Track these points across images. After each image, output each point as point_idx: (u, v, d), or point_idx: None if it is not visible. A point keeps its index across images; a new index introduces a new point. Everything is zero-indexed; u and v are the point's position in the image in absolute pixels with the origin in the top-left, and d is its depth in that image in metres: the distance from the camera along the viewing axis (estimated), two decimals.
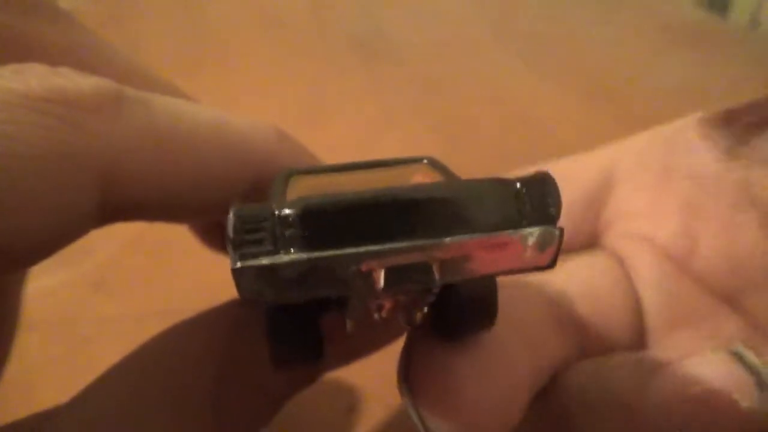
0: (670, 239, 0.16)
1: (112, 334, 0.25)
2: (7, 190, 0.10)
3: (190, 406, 0.13)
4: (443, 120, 0.40)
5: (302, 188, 0.12)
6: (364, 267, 0.09)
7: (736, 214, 0.15)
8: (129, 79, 0.13)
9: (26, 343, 0.18)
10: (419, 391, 0.12)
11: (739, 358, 0.13)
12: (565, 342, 0.15)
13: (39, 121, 0.10)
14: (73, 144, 0.10)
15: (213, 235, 0.19)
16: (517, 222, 0.10)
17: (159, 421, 0.13)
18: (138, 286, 0.27)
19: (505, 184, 0.10)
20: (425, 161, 0.13)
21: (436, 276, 0.09)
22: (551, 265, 0.10)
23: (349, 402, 0.23)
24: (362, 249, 0.09)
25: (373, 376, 0.20)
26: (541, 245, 0.10)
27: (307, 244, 0.09)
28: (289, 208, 0.09)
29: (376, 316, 0.11)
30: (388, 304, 0.11)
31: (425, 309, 0.12)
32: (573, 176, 0.19)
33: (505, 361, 0.13)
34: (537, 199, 0.10)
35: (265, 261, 0.09)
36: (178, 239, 0.21)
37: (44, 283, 0.26)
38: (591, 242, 0.19)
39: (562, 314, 0.16)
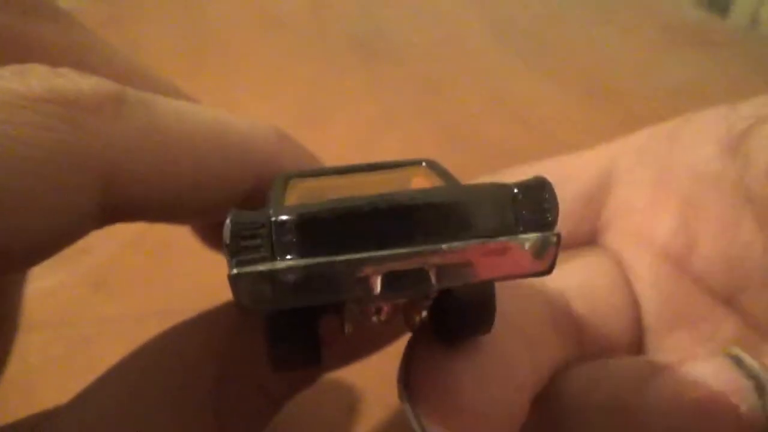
0: (669, 238, 0.16)
1: (112, 334, 0.25)
2: (7, 190, 0.10)
3: (190, 406, 0.13)
4: (443, 120, 0.39)
5: (300, 193, 0.12)
6: (361, 273, 0.09)
7: (735, 214, 0.15)
8: (129, 79, 0.13)
9: (26, 343, 0.18)
10: (419, 396, 0.12)
11: (738, 362, 0.13)
12: (564, 343, 0.15)
13: (39, 122, 0.10)
14: (74, 144, 0.10)
15: (213, 236, 0.19)
16: (515, 228, 0.10)
17: (159, 421, 0.13)
18: (138, 286, 0.27)
19: (502, 189, 0.10)
20: (424, 164, 0.13)
21: (434, 281, 0.09)
22: (549, 270, 0.10)
23: (349, 402, 0.23)
24: (359, 255, 0.09)
25: (373, 376, 0.20)
26: (539, 251, 0.10)
27: (304, 251, 0.09)
28: (286, 214, 0.09)
29: (374, 319, 0.11)
30: (386, 308, 0.11)
31: (423, 313, 0.12)
32: (573, 174, 0.19)
33: (505, 365, 0.13)
34: (534, 205, 0.10)
35: (261, 267, 0.09)
36: (178, 239, 0.21)
37: (44, 283, 0.26)
38: (590, 240, 0.19)
39: (560, 315, 0.16)
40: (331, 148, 0.21)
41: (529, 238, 0.10)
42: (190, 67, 0.41)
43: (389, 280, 0.09)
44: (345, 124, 0.38)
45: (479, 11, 0.54)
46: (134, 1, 0.50)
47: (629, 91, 0.43)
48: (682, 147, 0.17)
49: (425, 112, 0.40)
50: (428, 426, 0.12)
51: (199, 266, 0.23)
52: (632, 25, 0.54)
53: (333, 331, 0.12)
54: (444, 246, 0.09)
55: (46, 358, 0.24)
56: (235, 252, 0.09)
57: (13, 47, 0.12)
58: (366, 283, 0.09)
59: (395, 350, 0.15)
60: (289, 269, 0.09)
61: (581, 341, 0.16)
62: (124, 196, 0.11)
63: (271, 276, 0.09)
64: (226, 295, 0.14)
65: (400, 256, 0.09)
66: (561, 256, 0.10)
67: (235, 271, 0.09)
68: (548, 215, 0.10)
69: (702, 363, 0.14)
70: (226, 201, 0.13)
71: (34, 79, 0.11)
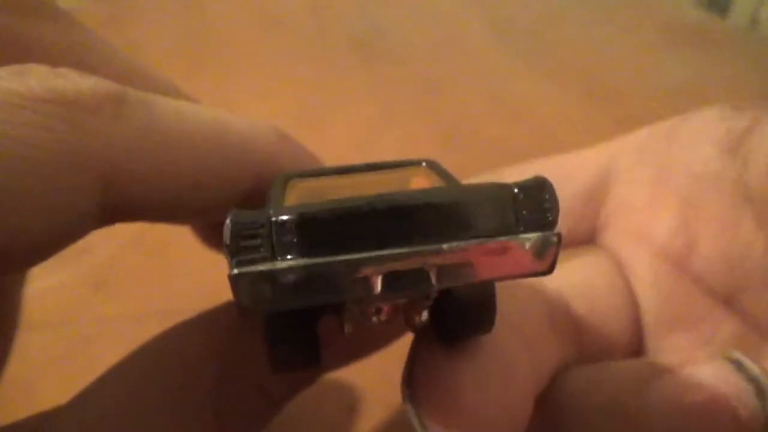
0: (668, 238, 0.16)
1: (112, 334, 0.25)
2: (6, 190, 0.10)
3: (190, 407, 0.13)
4: (443, 120, 0.39)
5: (300, 193, 0.12)
6: (361, 273, 0.09)
7: (735, 214, 0.15)
8: (129, 79, 0.13)
9: (26, 343, 0.18)
10: (421, 397, 0.12)
11: (738, 365, 0.13)
12: (563, 343, 0.15)
13: (39, 122, 0.10)
14: (73, 144, 0.10)
15: (213, 236, 0.19)
16: (515, 227, 0.10)
17: (159, 422, 0.13)
18: (138, 286, 0.27)
19: (503, 189, 0.10)
20: (423, 164, 0.13)
21: (434, 282, 0.09)
22: (550, 270, 0.10)
23: (349, 402, 0.23)
24: (359, 255, 0.09)
25: (373, 376, 0.20)
26: (540, 251, 0.10)
27: (305, 251, 0.09)
28: (286, 214, 0.09)
29: (374, 319, 0.11)
30: (386, 308, 0.11)
31: (424, 313, 0.12)
32: (572, 172, 0.19)
33: (505, 365, 0.13)
34: (535, 205, 0.10)
35: (262, 267, 0.09)
36: (177, 239, 0.21)
37: (44, 283, 0.26)
38: (589, 239, 0.19)
39: (559, 315, 0.16)
40: (331, 148, 0.21)
41: (530, 238, 0.10)
42: (190, 67, 0.41)
43: (389, 280, 0.09)
44: (345, 124, 0.38)
45: (479, 11, 0.54)
46: (134, 1, 0.50)
47: (629, 91, 0.43)
48: (682, 146, 0.17)
49: (425, 112, 0.40)
50: (430, 427, 0.12)
51: (199, 266, 0.23)
52: (632, 25, 0.54)
53: (332, 332, 0.12)
54: (444, 246, 0.09)
55: (46, 358, 0.24)
56: (235, 252, 0.09)
57: (12, 47, 0.12)
58: (366, 283, 0.09)
59: (395, 350, 0.15)
60: (290, 269, 0.09)
61: (580, 341, 0.16)
62: (124, 196, 0.11)
63: (272, 276, 0.09)
64: (226, 295, 0.14)
65: (401, 256, 0.09)
66: (560, 256, 0.10)
67: (235, 271, 0.09)
68: (549, 215, 0.10)
69: (702, 366, 0.14)
70: (225, 201, 0.13)
71: (33, 79, 0.11)
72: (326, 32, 0.48)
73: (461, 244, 0.09)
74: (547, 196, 0.10)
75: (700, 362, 0.14)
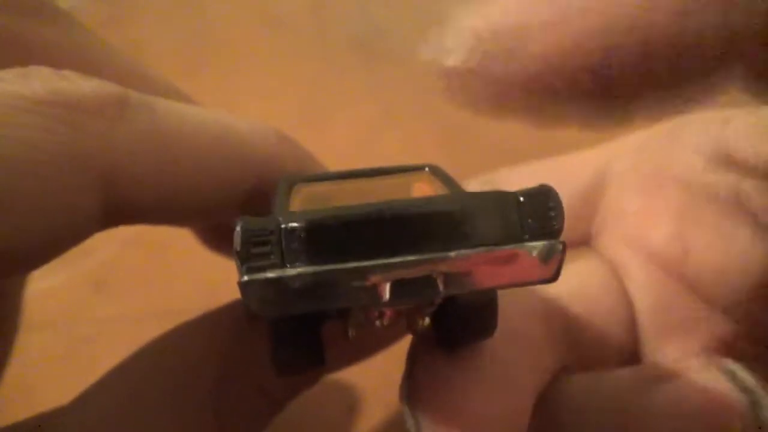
0: (662, 244, 0.16)
1: (112, 334, 0.25)
2: (10, 192, 0.10)
3: (191, 408, 0.13)
4: (443, 120, 0.39)
5: (305, 198, 0.12)
6: (369, 281, 0.09)
7: (730, 221, 0.15)
8: (129, 80, 0.13)
9: (26, 343, 0.18)
10: (421, 400, 0.12)
11: (732, 375, 0.13)
12: (560, 347, 0.15)
13: (41, 124, 0.10)
14: (76, 147, 0.10)
15: (213, 237, 0.19)
16: (520, 235, 0.10)
17: (160, 423, 0.13)
18: (138, 286, 0.27)
19: (508, 197, 0.10)
20: (427, 169, 0.13)
21: (441, 288, 0.09)
22: (555, 278, 0.10)
23: (349, 402, 0.23)
24: (368, 263, 0.09)
25: (374, 376, 0.20)
26: (545, 259, 0.10)
27: (314, 258, 0.09)
28: (295, 221, 0.09)
29: (377, 323, 0.11)
30: (389, 313, 0.11)
31: (426, 318, 0.12)
32: (570, 174, 0.18)
33: (505, 369, 0.13)
34: (540, 213, 0.10)
35: (271, 274, 0.09)
36: (178, 239, 0.21)
37: (44, 283, 0.26)
38: (585, 241, 0.18)
39: (555, 318, 0.16)
40: (332, 148, 0.21)
41: (536, 246, 0.10)
42: (190, 67, 0.41)
43: (397, 287, 0.09)
44: (345, 124, 0.38)
45: (479, 11, 0.54)
46: (134, 1, 0.50)
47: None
48: (680, 150, 0.16)
49: (425, 112, 0.40)
50: (429, 429, 0.12)
51: (199, 266, 0.23)
52: None
53: (336, 335, 0.12)
54: (452, 254, 0.09)
55: (46, 358, 0.24)
56: (246, 259, 0.09)
57: (13, 49, 0.12)
58: (374, 290, 0.09)
59: (396, 351, 0.15)
60: (299, 276, 0.09)
61: (577, 344, 0.16)
62: (126, 198, 0.12)
63: (281, 283, 0.09)
64: (226, 295, 0.14)
65: (409, 263, 0.09)
66: None
67: (245, 277, 0.09)
68: (554, 223, 0.10)
69: (696, 376, 0.14)
70: (226, 202, 0.13)
71: (36, 81, 0.11)
72: (326, 32, 0.48)
73: (469, 251, 0.09)
74: (551, 204, 0.10)
75: (694, 371, 0.14)
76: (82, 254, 0.28)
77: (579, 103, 0.12)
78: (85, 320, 0.25)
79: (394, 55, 0.46)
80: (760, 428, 0.13)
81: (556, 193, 0.10)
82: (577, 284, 0.17)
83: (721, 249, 0.15)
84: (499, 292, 0.12)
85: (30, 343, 0.23)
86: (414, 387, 0.12)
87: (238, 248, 0.09)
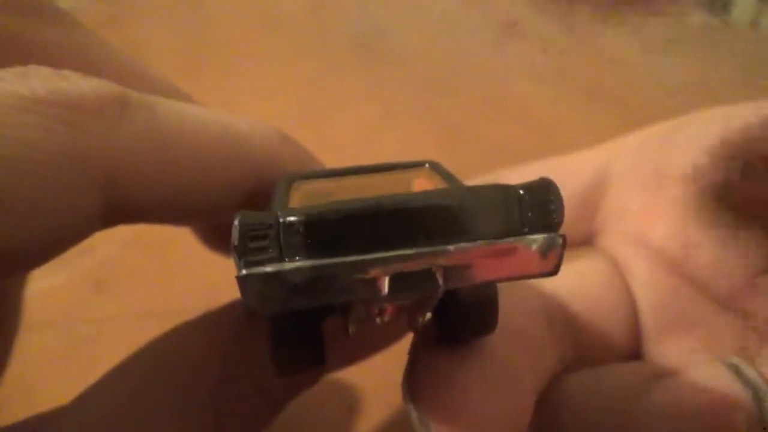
0: (665, 241, 0.16)
1: (112, 334, 0.25)
2: (10, 192, 0.10)
3: (191, 407, 0.13)
4: (443, 120, 0.39)
5: (305, 194, 0.12)
6: (368, 274, 0.09)
7: (730, 218, 0.15)
8: (129, 80, 0.13)
9: (26, 343, 0.18)
10: (423, 398, 0.12)
11: (736, 371, 0.13)
12: (561, 344, 0.15)
13: (41, 124, 0.10)
14: (76, 146, 0.10)
15: (213, 237, 0.19)
16: (519, 229, 0.10)
17: (160, 423, 0.13)
18: (138, 286, 0.27)
19: (508, 190, 0.10)
20: (427, 165, 0.13)
21: (441, 282, 0.09)
22: (555, 271, 0.10)
23: (349, 402, 0.23)
24: (367, 256, 0.09)
25: (374, 376, 0.20)
26: (545, 252, 0.10)
27: (312, 252, 0.09)
28: (294, 215, 0.09)
29: (378, 320, 0.11)
30: (390, 309, 0.11)
31: (427, 314, 0.12)
32: (570, 173, 0.18)
33: (506, 366, 0.13)
34: (540, 206, 0.10)
35: (269, 268, 0.09)
36: (178, 239, 0.21)
37: (44, 283, 0.26)
38: (586, 240, 0.18)
39: (556, 316, 0.16)
40: (332, 148, 0.21)
41: (536, 239, 0.10)
42: (190, 67, 0.41)
43: (396, 280, 0.09)
44: (345, 124, 0.38)
45: (479, 11, 0.54)
46: (134, 1, 0.50)
47: (629, 91, 0.43)
48: (680, 148, 0.16)
49: (425, 112, 0.40)
50: (431, 427, 0.12)
51: (199, 266, 0.23)
52: (633, 25, 0.54)
53: (336, 333, 0.12)
54: (451, 247, 0.09)
55: (46, 358, 0.24)
56: (243, 253, 0.09)
57: (13, 48, 0.12)
58: (374, 284, 0.09)
59: (397, 351, 0.15)
60: (298, 270, 0.09)
61: (579, 342, 0.16)
62: (127, 198, 0.12)
63: (280, 277, 0.09)
64: (226, 294, 0.14)
65: (408, 257, 0.09)
66: None
67: (243, 271, 0.09)
68: (554, 216, 0.10)
69: (700, 371, 0.14)
70: (227, 202, 0.13)
71: (36, 81, 0.11)
72: (326, 32, 0.48)
73: (468, 245, 0.09)
74: (552, 198, 0.10)
75: (698, 367, 0.14)
76: (82, 254, 0.28)
77: None
78: (85, 320, 0.25)
79: (394, 55, 0.46)
80: (765, 428, 0.13)
81: (556, 187, 0.10)
82: (578, 282, 0.17)
83: (723, 245, 0.15)
84: (501, 291, 0.12)
85: (30, 343, 0.23)
86: (415, 385, 0.12)
87: (236, 242, 0.09)
